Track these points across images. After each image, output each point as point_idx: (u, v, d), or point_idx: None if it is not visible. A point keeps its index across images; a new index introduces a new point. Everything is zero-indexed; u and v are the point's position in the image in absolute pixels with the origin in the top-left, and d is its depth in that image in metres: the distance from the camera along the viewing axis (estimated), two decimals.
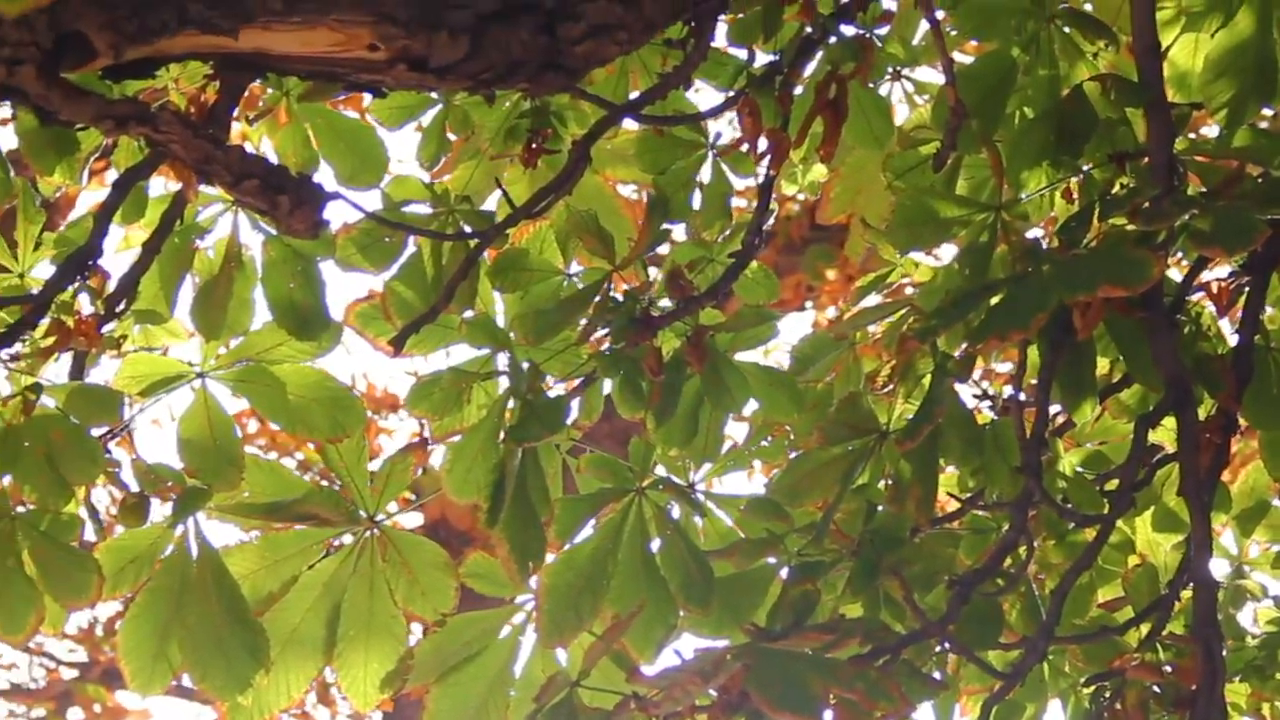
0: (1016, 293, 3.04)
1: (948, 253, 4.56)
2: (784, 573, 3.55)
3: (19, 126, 3.30)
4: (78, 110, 2.90)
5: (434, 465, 3.93)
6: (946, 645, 3.46)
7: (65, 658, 13.47)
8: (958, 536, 3.62)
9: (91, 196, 5.68)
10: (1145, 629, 3.58)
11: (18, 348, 3.47)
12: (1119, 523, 3.62)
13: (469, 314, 3.69)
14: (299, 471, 3.94)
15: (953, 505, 3.66)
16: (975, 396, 3.60)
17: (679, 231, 3.88)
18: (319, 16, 2.89)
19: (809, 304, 10.73)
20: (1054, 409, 3.39)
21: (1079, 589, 3.62)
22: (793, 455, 3.70)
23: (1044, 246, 3.26)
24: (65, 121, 2.95)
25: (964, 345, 3.31)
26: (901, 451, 3.39)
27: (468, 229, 3.64)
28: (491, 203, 4.04)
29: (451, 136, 3.95)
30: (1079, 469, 3.69)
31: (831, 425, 3.61)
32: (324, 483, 3.88)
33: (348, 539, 3.84)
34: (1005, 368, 5.60)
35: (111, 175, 3.62)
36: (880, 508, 3.48)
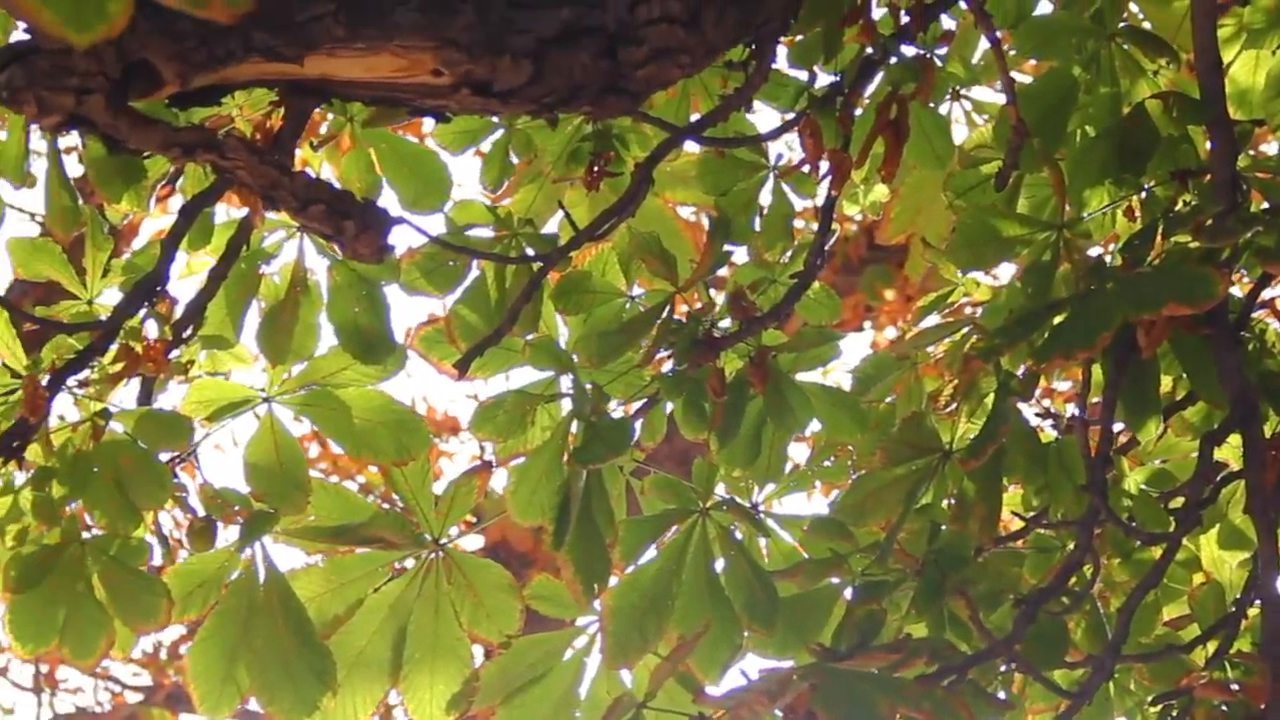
0: (1081, 311, 3.03)
1: (1005, 271, 4.58)
2: (848, 593, 3.55)
3: (87, 155, 3.32)
4: (145, 138, 2.92)
5: (494, 488, 3.95)
6: (1012, 664, 3.45)
7: (130, 681, 13.53)
8: (1022, 555, 3.61)
9: (154, 223, 5.71)
10: (1212, 647, 3.57)
11: (86, 374, 3.50)
12: (1184, 540, 3.61)
13: (532, 336, 3.71)
14: (360, 495, 3.96)
15: (1017, 524, 3.66)
16: (1038, 415, 3.60)
17: (740, 253, 3.90)
18: (382, 42, 2.90)
19: (867, 324, 10.73)
20: (1117, 427, 3.39)
21: (1145, 607, 3.60)
22: (855, 475, 3.70)
23: (1107, 265, 3.25)
24: (133, 150, 2.97)
25: (1028, 364, 3.31)
26: (966, 470, 3.39)
27: (531, 252, 3.65)
28: (553, 225, 4.06)
29: (514, 159, 3.97)
30: (1144, 487, 3.68)
31: (894, 445, 3.61)
32: (386, 506, 3.90)
33: (412, 562, 3.86)
34: (1064, 386, 5.58)
35: (175, 202, 3.65)
36: (944, 527, 3.47)
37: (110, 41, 2.76)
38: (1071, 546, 3.42)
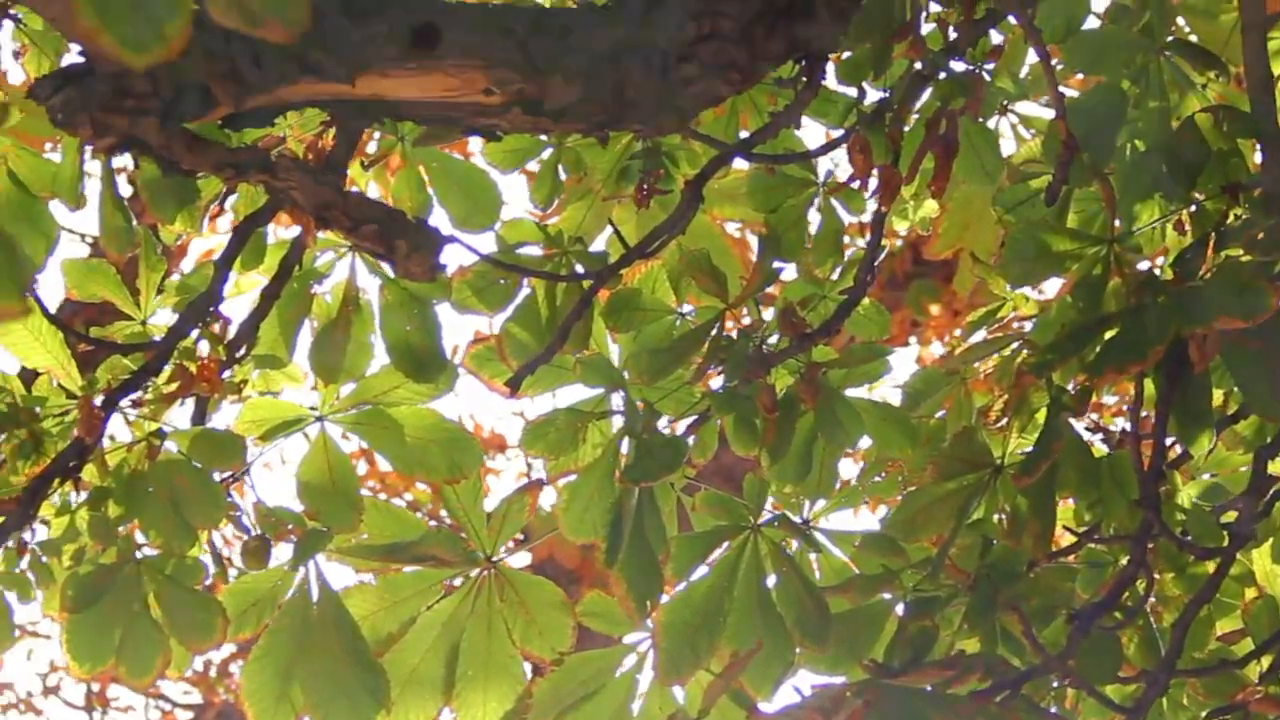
0: (1133, 325, 3.03)
1: (1050, 286, 4.56)
2: (900, 608, 3.55)
3: (141, 176, 3.34)
4: (199, 159, 2.94)
5: (541, 504, 3.96)
6: (1066, 680, 3.44)
7: (180, 700, 13.58)
8: (1074, 570, 3.60)
9: (203, 243, 5.75)
10: (1266, 662, 3.56)
11: (141, 394, 3.52)
12: (1238, 555, 3.60)
13: (582, 354, 3.71)
14: (410, 512, 3.97)
15: (1069, 539, 3.65)
16: (1088, 429, 3.59)
17: (789, 269, 3.90)
18: (434, 62, 2.92)
19: (913, 339, 10.71)
20: (1169, 441, 3.38)
21: (1198, 622, 3.59)
22: (906, 491, 3.70)
23: (1158, 278, 3.25)
24: (187, 170, 2.99)
25: (1080, 379, 3.31)
26: (1018, 486, 3.38)
27: (581, 270, 3.66)
28: (601, 242, 4.07)
29: (563, 177, 3.98)
30: (1197, 501, 3.67)
31: (946, 460, 3.61)
32: (435, 523, 3.91)
33: (464, 579, 3.87)
34: (1111, 400, 5.57)
35: (222, 222, 3.67)
36: (996, 542, 3.47)
37: (165, 62, 2.78)
38: (1125, 561, 3.41)
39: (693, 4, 2.97)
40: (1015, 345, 3.85)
